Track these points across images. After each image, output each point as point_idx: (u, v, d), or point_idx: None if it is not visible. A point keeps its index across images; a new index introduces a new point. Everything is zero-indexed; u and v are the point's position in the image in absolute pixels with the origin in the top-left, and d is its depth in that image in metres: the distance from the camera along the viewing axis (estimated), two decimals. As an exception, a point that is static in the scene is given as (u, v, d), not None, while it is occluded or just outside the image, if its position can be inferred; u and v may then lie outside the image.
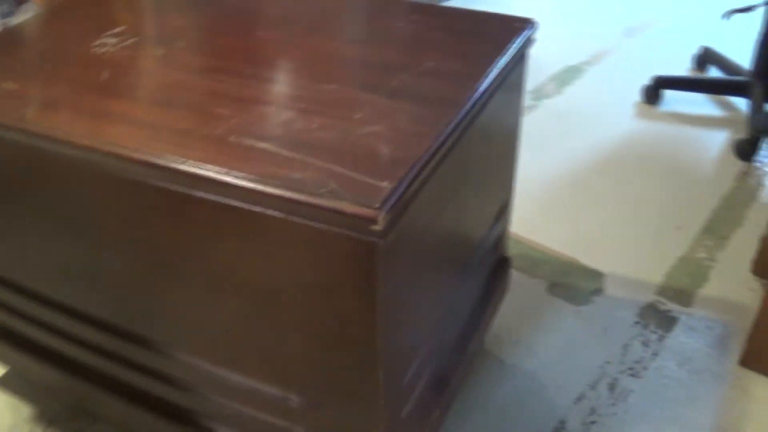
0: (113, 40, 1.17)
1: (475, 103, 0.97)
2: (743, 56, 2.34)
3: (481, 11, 1.21)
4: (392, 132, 0.89)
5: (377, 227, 0.76)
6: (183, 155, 0.86)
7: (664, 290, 1.63)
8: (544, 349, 1.48)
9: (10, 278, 1.20)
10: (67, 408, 1.39)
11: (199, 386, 1.10)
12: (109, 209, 0.96)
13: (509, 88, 1.13)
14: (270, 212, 0.82)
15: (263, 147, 0.87)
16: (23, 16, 2.09)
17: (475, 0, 2.85)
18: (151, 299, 1.04)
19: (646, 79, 2.38)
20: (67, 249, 1.06)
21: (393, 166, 0.83)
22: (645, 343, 1.50)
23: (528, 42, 1.15)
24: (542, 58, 2.60)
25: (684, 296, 1.62)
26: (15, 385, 1.43)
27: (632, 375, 1.43)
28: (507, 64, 1.06)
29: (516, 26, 1.17)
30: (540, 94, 2.43)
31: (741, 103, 2.33)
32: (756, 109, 2.09)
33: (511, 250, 1.68)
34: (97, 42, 1.16)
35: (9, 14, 2.12)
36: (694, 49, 2.58)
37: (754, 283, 1.65)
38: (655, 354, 1.48)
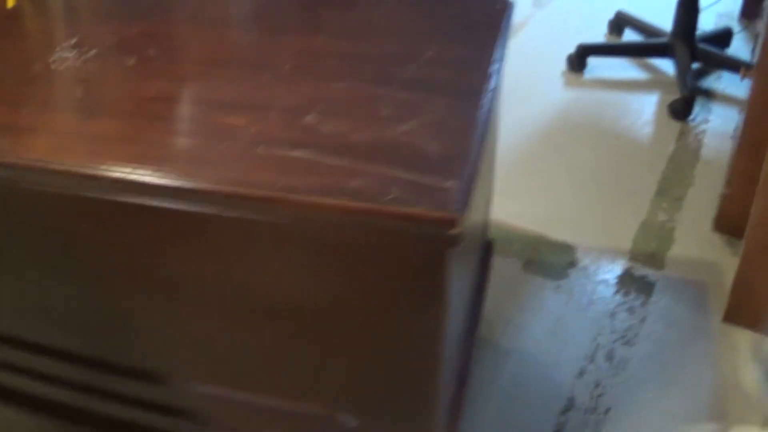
0: (71, 54, 1.06)
1: (492, 90, 0.94)
2: (659, 18, 2.39)
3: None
4: (428, 128, 0.86)
5: (455, 231, 0.72)
6: (218, 177, 0.79)
7: (635, 256, 1.65)
8: (534, 328, 1.48)
9: None
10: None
11: (219, 416, 1.04)
12: (121, 239, 0.89)
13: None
14: (326, 227, 0.78)
15: (298, 156, 0.81)
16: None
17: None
18: (164, 331, 0.96)
19: (565, 49, 2.39)
20: (68, 287, 0.97)
21: (448, 163, 0.79)
22: (630, 311, 1.51)
23: (509, 24, 1.12)
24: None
25: (655, 260, 1.64)
26: None
27: (625, 343, 1.44)
28: (502, 48, 1.03)
29: (498, 8, 1.14)
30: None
31: (663, 65, 2.38)
32: (684, 70, 2.13)
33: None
34: (54, 57, 1.05)
35: None
36: (607, 15, 2.61)
37: (718, 240, 1.70)
38: (642, 320, 1.49)
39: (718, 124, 2.12)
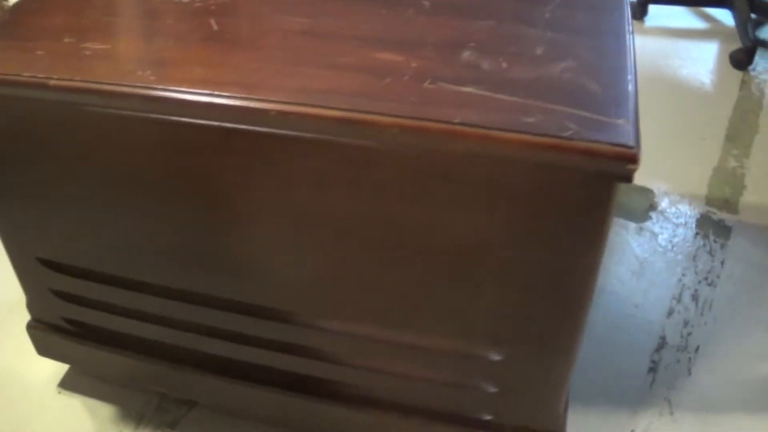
0: None
1: (630, 33, 0.96)
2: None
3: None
4: (587, 67, 0.87)
5: (634, 166, 0.75)
6: (392, 110, 0.80)
7: (711, 201, 1.69)
8: (621, 269, 1.51)
9: (77, 265, 1.11)
10: (153, 400, 1.29)
11: (351, 354, 1.06)
12: (268, 175, 0.89)
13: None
14: (504, 160, 0.79)
15: (469, 91, 0.83)
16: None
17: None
18: (300, 268, 0.97)
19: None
20: (183, 221, 0.98)
21: (614, 102, 0.81)
22: (710, 253, 1.55)
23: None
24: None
25: (730, 205, 1.68)
26: (83, 385, 1.31)
27: (709, 284, 1.48)
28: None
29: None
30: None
31: (721, 15, 2.39)
32: (744, 20, 2.15)
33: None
34: None
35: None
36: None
37: (790, 186, 1.73)
38: (722, 262, 1.53)
39: (780, 74, 2.13)
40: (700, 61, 2.18)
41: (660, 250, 1.55)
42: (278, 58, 0.89)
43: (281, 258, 0.96)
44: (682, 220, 1.63)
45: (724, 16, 2.38)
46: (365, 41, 0.92)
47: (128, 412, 1.26)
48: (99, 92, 0.85)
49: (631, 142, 0.75)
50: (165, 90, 0.84)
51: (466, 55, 0.89)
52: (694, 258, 1.54)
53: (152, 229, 1.00)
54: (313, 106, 0.80)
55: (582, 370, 1.31)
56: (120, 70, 0.87)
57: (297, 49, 0.91)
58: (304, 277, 0.97)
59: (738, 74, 2.12)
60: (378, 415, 1.09)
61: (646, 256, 1.54)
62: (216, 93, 0.82)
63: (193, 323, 1.10)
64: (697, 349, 1.35)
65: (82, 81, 0.86)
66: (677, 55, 2.21)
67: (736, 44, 2.18)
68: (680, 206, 1.67)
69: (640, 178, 1.73)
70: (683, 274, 1.51)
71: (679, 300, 1.45)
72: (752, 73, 2.12)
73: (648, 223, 1.62)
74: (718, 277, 1.50)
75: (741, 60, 2.10)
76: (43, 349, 1.27)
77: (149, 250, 1.03)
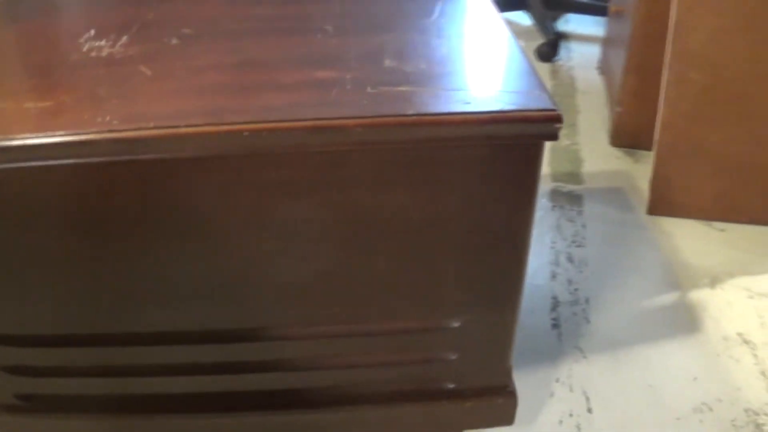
0: (101, 42, 1.10)
1: (508, 30, 1.12)
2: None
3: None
4: (488, 57, 1.03)
5: (560, 125, 0.91)
6: (353, 113, 0.90)
7: (556, 177, 1.90)
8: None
9: (36, 332, 1.09)
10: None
11: (320, 357, 1.12)
12: (240, 191, 0.96)
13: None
14: (453, 140, 0.92)
15: (406, 89, 0.96)
16: None
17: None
18: (268, 281, 1.03)
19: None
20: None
21: (523, 80, 0.97)
22: (571, 220, 1.76)
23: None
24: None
25: (574, 176, 1.91)
26: None
27: (578, 246, 1.68)
28: None
29: None
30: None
31: (516, 17, 2.67)
32: (542, 17, 2.42)
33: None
34: (86, 47, 1.09)
35: None
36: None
37: (617, 153, 1.99)
38: (583, 225, 1.74)
39: (580, 60, 2.42)
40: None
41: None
42: (226, 86, 0.97)
43: (248, 275, 1.02)
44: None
45: (519, 17, 2.64)
46: (297, 64, 1.02)
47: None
48: (75, 143, 0.88)
49: (552, 106, 0.89)
50: (137, 129, 0.88)
51: (388, 62, 1.01)
52: (558, 227, 1.74)
53: (115, 276, 1.02)
54: (282, 120, 0.88)
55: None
56: (81, 119, 0.91)
57: (239, 77, 0.99)
58: (271, 287, 1.04)
59: (546, 66, 2.38)
60: (351, 411, 1.16)
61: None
62: (186, 124, 0.88)
63: (158, 365, 1.11)
64: (587, 301, 1.53)
65: (47, 134, 0.88)
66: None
67: (539, 41, 2.44)
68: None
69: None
70: (553, 242, 1.69)
71: (557, 264, 1.63)
72: (558, 63, 2.39)
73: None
74: (584, 238, 1.70)
75: (547, 53, 2.36)
76: None
77: (112, 298, 1.04)
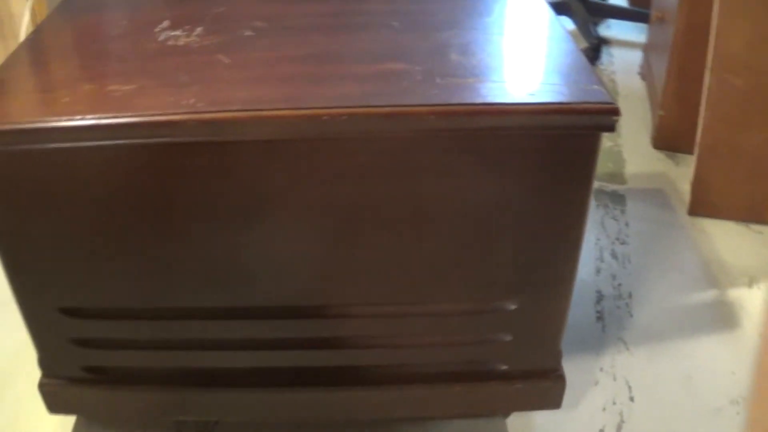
0: (177, 32, 1.16)
1: (562, 26, 1.17)
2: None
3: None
4: (546, 53, 1.08)
5: (617, 117, 0.96)
6: (423, 100, 0.96)
7: (600, 177, 1.95)
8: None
9: (103, 306, 1.14)
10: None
11: (378, 336, 1.16)
12: (306, 175, 1.01)
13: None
14: (517, 128, 0.97)
15: (473, 81, 1.01)
16: None
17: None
18: (331, 260, 1.08)
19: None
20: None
21: (583, 74, 1.02)
22: (614, 218, 1.81)
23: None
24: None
25: (617, 177, 1.95)
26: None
27: (622, 243, 1.73)
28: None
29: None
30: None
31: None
32: (585, 22, 2.47)
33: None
34: (161, 37, 1.15)
35: None
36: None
37: (659, 155, 2.03)
38: (626, 223, 1.79)
39: (622, 65, 2.47)
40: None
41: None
42: (301, 76, 1.03)
43: (311, 254, 1.07)
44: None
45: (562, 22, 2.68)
46: (368, 57, 1.08)
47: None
48: (155, 124, 0.95)
49: (610, 99, 0.95)
50: (222, 111, 0.94)
51: (454, 56, 1.07)
52: (602, 225, 1.79)
53: (183, 253, 1.08)
54: (359, 106, 0.94)
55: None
56: (165, 102, 0.97)
57: (314, 68, 1.05)
58: (334, 268, 1.09)
59: (589, 70, 2.42)
60: (402, 390, 1.20)
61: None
62: (269, 108, 0.94)
63: (221, 339, 1.17)
64: (630, 295, 1.58)
65: (130, 115, 0.95)
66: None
67: (581, 45, 2.49)
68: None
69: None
70: (598, 239, 1.74)
71: (601, 260, 1.68)
72: (600, 67, 2.43)
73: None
74: (627, 236, 1.75)
75: (590, 57, 2.41)
76: (54, 406, 1.25)
77: (177, 273, 1.10)
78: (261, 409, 1.23)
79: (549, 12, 1.21)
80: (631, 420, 1.29)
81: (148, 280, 1.10)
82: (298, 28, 1.18)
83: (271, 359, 1.19)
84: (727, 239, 1.72)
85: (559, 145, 0.97)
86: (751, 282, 1.59)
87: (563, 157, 0.98)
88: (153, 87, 1.01)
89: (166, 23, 1.20)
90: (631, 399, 1.33)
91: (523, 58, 1.07)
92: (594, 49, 2.41)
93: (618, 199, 1.86)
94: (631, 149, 2.05)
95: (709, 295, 1.57)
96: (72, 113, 0.95)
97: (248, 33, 1.14)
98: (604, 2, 2.64)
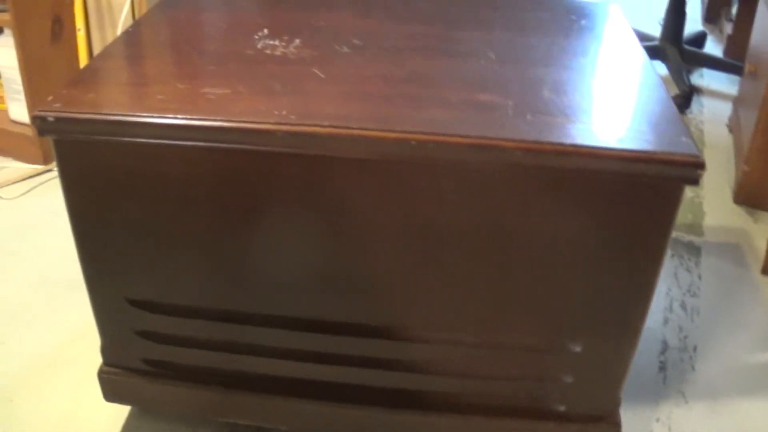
0: (275, 42, 1.19)
1: (655, 73, 1.17)
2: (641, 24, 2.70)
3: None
4: (637, 99, 1.08)
5: (702, 171, 0.95)
6: (513, 135, 0.96)
7: (677, 227, 1.92)
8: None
9: (173, 302, 1.15)
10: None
11: (442, 363, 1.15)
12: (387, 196, 1.02)
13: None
14: (601, 171, 0.97)
15: (561, 121, 1.01)
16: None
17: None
18: (408, 284, 1.08)
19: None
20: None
21: (672, 125, 1.01)
22: (688, 269, 1.78)
23: None
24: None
25: (695, 228, 1.92)
26: (146, 429, 1.32)
27: (692, 295, 1.70)
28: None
29: None
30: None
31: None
32: (678, 69, 2.44)
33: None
34: (260, 44, 1.18)
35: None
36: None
37: (740, 210, 1.99)
38: (699, 276, 1.76)
39: (711, 115, 2.43)
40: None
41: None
42: (394, 96, 1.05)
43: (385, 274, 1.09)
44: (659, 242, 1.85)
45: (655, 67, 2.66)
46: (462, 84, 1.09)
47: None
48: (246, 131, 0.97)
49: (696, 152, 0.94)
50: (312, 125, 0.96)
51: (546, 93, 1.07)
52: (675, 275, 1.76)
53: (255, 258, 1.09)
54: (448, 135, 0.95)
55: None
56: (257, 109, 0.99)
57: (407, 89, 1.07)
58: (407, 290, 1.10)
59: (677, 117, 2.39)
60: (459, 419, 1.20)
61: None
62: (359, 127, 0.96)
63: (285, 349, 1.18)
64: (695, 349, 1.55)
65: (222, 119, 0.97)
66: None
67: (673, 92, 2.46)
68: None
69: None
70: (669, 289, 1.72)
71: (671, 310, 1.66)
72: (689, 116, 2.40)
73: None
74: (698, 288, 1.72)
75: (680, 105, 2.38)
76: (111, 394, 1.28)
77: (249, 279, 1.11)
78: (318, 421, 1.23)
79: (644, 56, 1.21)
80: (684, 475, 1.27)
81: (221, 282, 1.11)
82: (394, 49, 1.20)
83: (334, 374, 1.19)
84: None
85: (642, 192, 0.96)
86: (823, 350, 1.55)
87: (644, 205, 0.97)
88: (246, 93, 1.04)
89: (265, 31, 1.23)
90: (686, 454, 1.30)
91: (613, 102, 1.07)
92: (685, 96, 2.37)
93: (693, 250, 1.84)
94: (711, 202, 2.02)
95: (776, 357, 1.53)
96: (165, 111, 0.97)
97: (345, 49, 1.17)
98: (699, 51, 2.60)
